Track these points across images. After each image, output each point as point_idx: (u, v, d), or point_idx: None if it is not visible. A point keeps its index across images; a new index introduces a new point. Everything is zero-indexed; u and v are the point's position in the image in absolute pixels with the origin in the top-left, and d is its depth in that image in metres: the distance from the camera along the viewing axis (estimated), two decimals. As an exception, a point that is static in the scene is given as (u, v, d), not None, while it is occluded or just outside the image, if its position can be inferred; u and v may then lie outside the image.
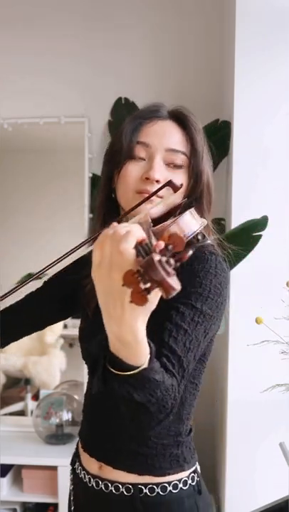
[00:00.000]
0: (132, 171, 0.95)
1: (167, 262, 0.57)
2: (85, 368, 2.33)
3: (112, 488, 0.97)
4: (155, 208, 0.91)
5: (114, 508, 0.97)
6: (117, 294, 0.65)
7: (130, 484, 0.96)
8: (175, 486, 0.97)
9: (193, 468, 1.03)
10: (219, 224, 2.04)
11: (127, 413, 0.80)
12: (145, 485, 0.96)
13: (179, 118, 0.97)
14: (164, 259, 0.57)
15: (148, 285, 0.57)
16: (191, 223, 0.82)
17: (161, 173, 0.93)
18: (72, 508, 1.12)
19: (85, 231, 2.30)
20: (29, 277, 1.92)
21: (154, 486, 0.96)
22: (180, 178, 0.95)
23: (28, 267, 2.04)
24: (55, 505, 2.17)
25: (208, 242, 0.97)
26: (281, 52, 1.75)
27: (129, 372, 0.72)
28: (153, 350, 0.74)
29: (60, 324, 2.37)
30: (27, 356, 2.47)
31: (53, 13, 2.37)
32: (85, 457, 1.05)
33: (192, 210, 0.84)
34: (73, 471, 1.12)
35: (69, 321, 2.26)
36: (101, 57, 2.35)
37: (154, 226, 0.87)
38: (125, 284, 0.59)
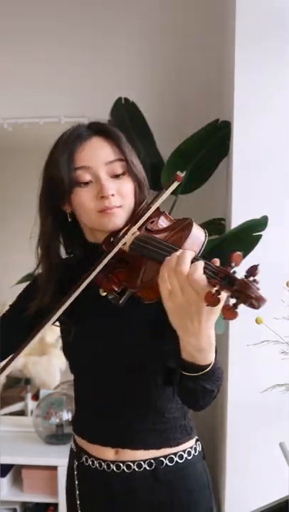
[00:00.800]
0: (85, 196, 1.00)
1: (254, 280, 0.71)
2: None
3: (135, 467, 1.06)
4: (120, 220, 1.00)
5: (138, 484, 1.06)
6: (195, 313, 0.79)
7: (151, 459, 1.07)
8: (189, 453, 1.10)
9: (196, 437, 1.15)
10: (219, 224, 2.04)
11: (192, 401, 0.95)
12: (165, 456, 1.07)
13: (100, 130, 1.03)
14: (251, 278, 0.71)
15: (235, 301, 0.71)
16: (199, 233, 0.90)
17: (111, 187, 0.99)
18: (79, 503, 1.13)
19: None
20: (28, 278, 1.93)
21: (173, 456, 1.08)
22: (127, 183, 1.02)
23: (27, 267, 2.03)
24: (55, 505, 2.17)
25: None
26: (281, 52, 1.75)
27: (202, 372, 0.87)
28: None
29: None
30: (27, 356, 2.47)
31: (53, 13, 2.37)
32: (96, 448, 1.10)
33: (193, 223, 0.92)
34: (80, 465, 1.13)
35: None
36: (101, 57, 2.35)
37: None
38: (210, 305, 0.73)
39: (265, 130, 1.78)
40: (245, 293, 0.70)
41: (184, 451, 1.09)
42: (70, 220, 1.06)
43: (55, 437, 2.24)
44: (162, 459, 1.07)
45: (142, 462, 1.06)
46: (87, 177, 0.99)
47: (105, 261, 0.94)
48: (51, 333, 2.41)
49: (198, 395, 0.91)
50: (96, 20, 2.35)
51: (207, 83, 2.28)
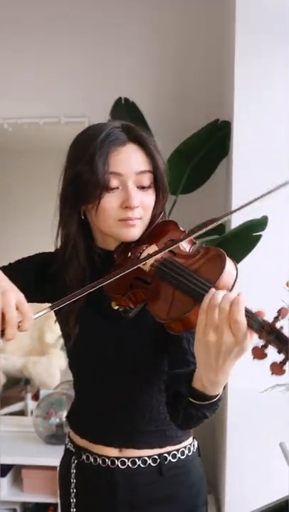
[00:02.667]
0: (111, 202, 0.98)
1: None
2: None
3: (140, 463, 1.08)
4: (138, 232, 1.01)
5: (143, 479, 1.08)
6: (223, 353, 0.77)
7: (156, 455, 1.09)
8: (189, 450, 1.14)
9: (192, 433, 1.18)
10: (219, 224, 2.04)
11: (186, 424, 0.94)
12: (168, 453, 1.10)
13: (136, 138, 1.01)
14: None
15: (283, 358, 0.72)
16: (232, 268, 0.87)
17: (137, 198, 0.98)
18: (74, 501, 1.14)
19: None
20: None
21: (175, 452, 1.11)
22: (150, 196, 1.01)
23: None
24: (55, 505, 2.17)
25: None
26: (281, 52, 1.75)
27: (208, 402, 0.87)
28: None
29: (60, 324, 2.37)
30: (27, 356, 2.47)
31: (53, 14, 2.37)
32: (98, 447, 1.11)
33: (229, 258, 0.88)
34: (80, 464, 1.13)
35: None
36: (101, 57, 2.35)
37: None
38: (257, 358, 0.74)
39: (265, 130, 1.78)
40: None
41: (184, 447, 1.13)
42: (82, 217, 1.05)
43: (55, 437, 2.24)
44: (166, 455, 1.10)
45: (146, 458, 1.08)
46: (115, 183, 0.98)
47: (121, 275, 0.90)
48: (51, 333, 2.42)
49: (195, 421, 0.91)
50: (96, 21, 2.35)
51: (207, 83, 2.28)
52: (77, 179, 1.00)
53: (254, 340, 0.75)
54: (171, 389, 0.94)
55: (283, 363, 0.72)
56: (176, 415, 0.93)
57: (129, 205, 0.97)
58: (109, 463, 1.09)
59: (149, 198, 1.01)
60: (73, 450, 1.17)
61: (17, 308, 0.83)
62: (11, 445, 2.26)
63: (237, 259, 1.77)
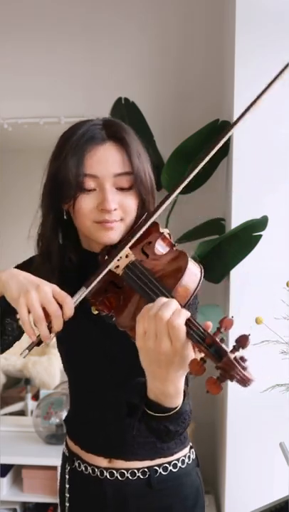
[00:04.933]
0: (86, 203, 0.95)
1: (242, 359, 0.67)
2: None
3: (128, 475, 1.05)
4: (117, 235, 0.96)
5: (132, 491, 1.05)
6: (164, 362, 0.75)
7: (145, 468, 1.05)
8: (182, 462, 1.09)
9: (190, 443, 1.14)
10: (219, 224, 2.04)
11: (156, 437, 0.91)
12: (159, 466, 1.06)
13: (115, 137, 0.96)
14: (238, 355, 0.67)
15: (219, 374, 0.67)
16: (195, 270, 0.85)
17: (114, 200, 0.94)
18: (68, 505, 1.13)
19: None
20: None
21: (167, 465, 1.07)
22: (131, 199, 0.97)
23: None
24: (55, 505, 2.17)
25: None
26: (281, 52, 1.75)
27: (167, 414, 0.83)
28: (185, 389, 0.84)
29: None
30: (27, 356, 2.47)
31: (53, 14, 2.37)
32: (88, 456, 1.08)
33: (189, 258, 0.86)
34: (72, 470, 1.12)
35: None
36: (101, 57, 2.35)
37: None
38: (193, 374, 0.70)
39: (265, 130, 1.78)
40: (230, 373, 0.66)
41: (177, 460, 1.08)
42: (65, 217, 1.02)
43: (55, 437, 2.24)
44: (156, 468, 1.06)
45: (135, 471, 1.05)
46: (91, 185, 0.94)
47: (97, 280, 0.88)
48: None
49: (160, 434, 0.88)
50: (96, 21, 2.35)
51: (207, 83, 2.28)
52: (55, 177, 0.99)
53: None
54: (127, 399, 0.91)
55: (220, 379, 0.67)
56: (132, 427, 0.92)
57: (104, 207, 0.93)
58: (99, 473, 1.06)
59: (129, 200, 0.96)
60: (67, 455, 1.16)
61: (55, 299, 0.82)
62: (11, 445, 2.26)
63: (237, 259, 1.78)
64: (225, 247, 1.79)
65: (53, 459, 2.13)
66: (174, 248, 0.94)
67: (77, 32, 2.36)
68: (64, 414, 2.24)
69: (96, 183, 0.94)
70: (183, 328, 0.73)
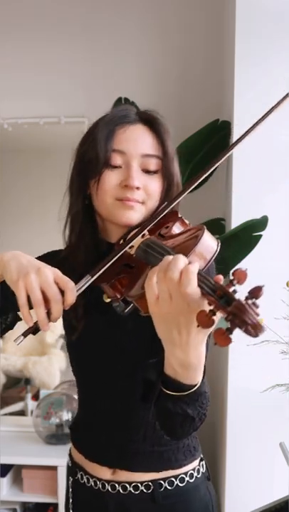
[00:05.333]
0: (111, 179, 0.93)
1: (254, 304, 0.61)
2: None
3: (131, 489, 0.99)
4: (137, 216, 0.94)
5: (134, 506, 0.99)
6: (184, 324, 0.70)
7: (150, 481, 0.99)
8: (191, 476, 1.02)
9: (201, 455, 1.07)
10: (219, 224, 2.04)
11: (170, 426, 0.84)
12: (164, 479, 0.99)
13: (148, 121, 0.97)
14: (250, 301, 0.61)
15: (230, 325, 0.61)
16: (211, 242, 0.81)
17: (139, 180, 0.93)
18: None
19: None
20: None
21: (173, 479, 0.99)
22: (156, 182, 0.96)
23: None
24: (55, 505, 2.17)
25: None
26: (281, 52, 1.75)
27: (186, 392, 0.77)
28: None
29: (60, 324, 2.37)
30: (27, 356, 2.47)
31: (53, 14, 2.37)
32: (92, 466, 1.04)
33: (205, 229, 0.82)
34: (75, 482, 1.08)
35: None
36: (101, 57, 2.35)
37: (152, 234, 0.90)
38: (202, 326, 0.64)
39: (265, 130, 1.78)
40: (241, 317, 0.60)
41: (185, 473, 1.01)
42: (86, 202, 1.00)
43: (55, 437, 2.24)
44: (162, 481, 0.99)
45: (138, 484, 0.99)
46: (118, 161, 0.93)
47: (110, 262, 0.85)
48: (51, 333, 2.42)
49: (176, 420, 0.81)
50: (96, 21, 2.35)
51: (207, 83, 2.28)
52: (83, 156, 0.97)
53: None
54: (141, 379, 0.85)
55: (229, 331, 0.61)
56: (156, 414, 0.85)
57: (128, 183, 0.92)
58: (101, 486, 1.01)
59: (154, 184, 0.95)
60: (70, 466, 1.12)
61: (56, 284, 0.77)
62: (11, 445, 2.26)
63: (237, 259, 1.77)
64: (225, 247, 1.79)
65: (53, 459, 2.13)
66: (189, 224, 0.92)
67: (77, 32, 2.36)
68: (64, 414, 2.24)
69: (123, 160, 0.93)
70: (196, 291, 0.67)
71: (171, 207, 0.91)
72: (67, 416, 2.25)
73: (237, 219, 1.79)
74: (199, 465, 1.05)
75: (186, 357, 0.73)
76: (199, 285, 0.68)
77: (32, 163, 2.44)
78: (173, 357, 0.75)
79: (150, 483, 0.99)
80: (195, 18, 2.30)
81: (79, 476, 1.07)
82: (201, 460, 1.07)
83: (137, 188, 0.93)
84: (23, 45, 2.38)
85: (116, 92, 2.25)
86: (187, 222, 0.94)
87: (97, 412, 1.04)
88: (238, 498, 1.86)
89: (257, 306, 0.61)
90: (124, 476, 1.00)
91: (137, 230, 0.91)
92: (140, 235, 0.89)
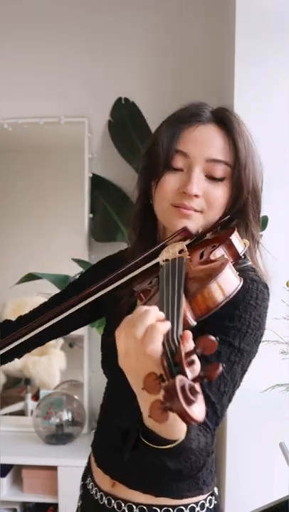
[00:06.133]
0: (169, 182, 0.86)
1: (191, 389, 0.51)
2: (86, 368, 2.33)
3: (125, 508, 0.93)
4: (193, 226, 0.85)
5: None
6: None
7: (145, 505, 0.91)
8: (192, 509, 0.92)
9: (212, 490, 0.98)
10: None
11: (151, 475, 0.79)
12: (160, 507, 0.90)
13: (222, 121, 0.88)
14: (188, 384, 0.51)
15: (167, 404, 0.50)
16: (231, 279, 0.72)
17: (199, 186, 0.85)
18: None
19: (85, 231, 2.30)
20: (30, 277, 1.91)
21: (170, 509, 0.90)
22: (220, 191, 0.87)
23: (27, 266, 2.04)
24: (55, 505, 2.17)
25: (249, 264, 0.91)
26: (281, 52, 1.75)
27: (165, 446, 0.67)
28: None
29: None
30: (27, 356, 2.47)
31: (53, 14, 2.37)
32: (98, 473, 1.00)
33: (230, 263, 0.74)
34: (83, 486, 1.06)
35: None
36: (101, 57, 2.35)
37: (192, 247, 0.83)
38: (145, 390, 0.54)
39: (264, 130, 1.78)
40: (172, 400, 0.49)
41: (185, 505, 0.91)
42: (150, 202, 0.93)
43: (55, 437, 2.24)
44: (157, 508, 0.90)
45: (133, 506, 0.91)
46: (180, 163, 0.86)
47: (141, 269, 0.79)
48: (51, 333, 2.42)
49: (158, 471, 0.73)
50: (96, 21, 2.34)
51: (207, 83, 2.28)
52: (149, 152, 0.91)
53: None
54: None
55: (164, 406, 0.50)
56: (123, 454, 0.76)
57: (186, 190, 0.84)
58: (99, 497, 0.97)
59: (217, 192, 0.86)
60: (85, 468, 1.09)
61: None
62: (11, 445, 2.25)
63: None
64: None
65: (53, 459, 2.13)
66: (226, 256, 0.82)
67: (77, 32, 2.36)
68: (64, 414, 2.25)
69: (185, 163, 0.86)
70: (156, 351, 0.58)
71: (210, 231, 0.83)
72: (67, 416, 2.25)
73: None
74: (206, 501, 0.94)
75: None
76: (163, 345, 0.58)
77: (32, 163, 2.44)
78: (144, 410, 0.66)
79: (145, 507, 0.91)
80: (195, 18, 2.30)
81: (87, 481, 1.05)
82: (211, 495, 0.96)
83: (196, 196, 0.85)
84: (23, 45, 2.38)
85: (116, 92, 2.25)
86: (237, 244, 0.85)
87: (113, 417, 1.00)
88: (238, 498, 1.86)
89: (195, 392, 0.51)
90: (122, 491, 0.94)
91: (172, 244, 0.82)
92: (177, 250, 0.81)
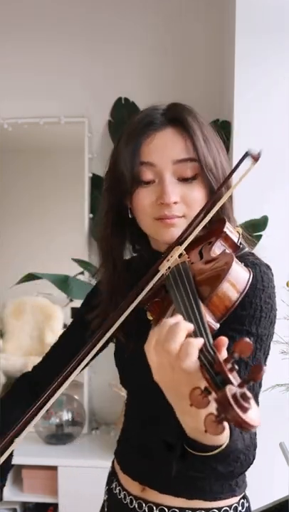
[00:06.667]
0: (144, 197, 0.85)
1: (243, 395, 0.50)
2: (86, 368, 2.33)
3: (157, 511, 0.91)
4: (179, 233, 0.82)
5: None
6: (187, 394, 0.58)
7: (177, 508, 0.90)
8: None
9: (243, 493, 0.99)
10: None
11: (202, 480, 0.81)
12: (193, 509, 0.89)
13: (175, 121, 0.87)
14: (239, 392, 0.50)
15: (222, 416, 0.50)
16: (241, 274, 0.72)
17: (175, 192, 0.84)
18: None
19: (85, 231, 2.30)
20: (30, 277, 1.91)
21: (203, 511, 0.90)
22: (196, 190, 0.85)
23: (27, 266, 2.04)
24: (55, 505, 2.17)
25: (246, 250, 0.90)
26: (281, 52, 1.75)
27: (211, 453, 0.67)
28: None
29: (60, 324, 2.37)
30: (27, 356, 2.47)
31: (53, 14, 2.37)
32: (125, 479, 0.99)
33: (234, 256, 0.74)
34: (109, 491, 1.04)
35: (69, 321, 2.26)
36: (101, 57, 2.35)
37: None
38: (194, 406, 0.53)
39: (265, 130, 1.78)
40: (227, 411, 0.49)
41: (218, 508, 0.90)
42: (130, 216, 0.90)
43: (55, 437, 2.24)
44: (189, 511, 0.89)
45: (165, 508, 0.90)
46: (149, 175, 0.84)
47: (150, 285, 0.77)
48: (51, 333, 2.42)
49: (210, 475, 0.75)
50: (96, 21, 2.35)
51: (207, 83, 2.28)
52: (112, 171, 0.90)
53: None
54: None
55: (219, 418, 0.50)
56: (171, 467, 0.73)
57: (163, 200, 0.82)
58: (129, 501, 0.95)
59: (193, 192, 0.84)
60: (109, 473, 1.07)
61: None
62: (11, 445, 2.25)
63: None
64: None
65: (53, 459, 2.12)
66: (227, 250, 0.81)
67: (77, 32, 2.36)
68: (64, 414, 2.24)
69: (154, 173, 0.84)
70: (194, 366, 0.58)
71: (200, 226, 0.80)
72: (67, 416, 2.25)
73: (237, 219, 1.79)
74: (239, 504, 0.95)
75: (198, 424, 0.62)
76: (199, 357, 0.58)
77: (32, 163, 2.44)
78: (184, 424, 0.66)
79: (177, 511, 0.90)
80: (195, 18, 2.30)
81: (113, 485, 1.03)
82: (243, 498, 0.97)
83: (175, 203, 0.83)
84: (23, 45, 2.39)
85: (116, 92, 2.25)
86: (231, 235, 0.84)
87: (137, 425, 1.00)
88: (238, 498, 1.86)
89: (247, 398, 0.50)
90: (153, 496, 0.92)
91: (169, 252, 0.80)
92: (176, 256, 0.79)
